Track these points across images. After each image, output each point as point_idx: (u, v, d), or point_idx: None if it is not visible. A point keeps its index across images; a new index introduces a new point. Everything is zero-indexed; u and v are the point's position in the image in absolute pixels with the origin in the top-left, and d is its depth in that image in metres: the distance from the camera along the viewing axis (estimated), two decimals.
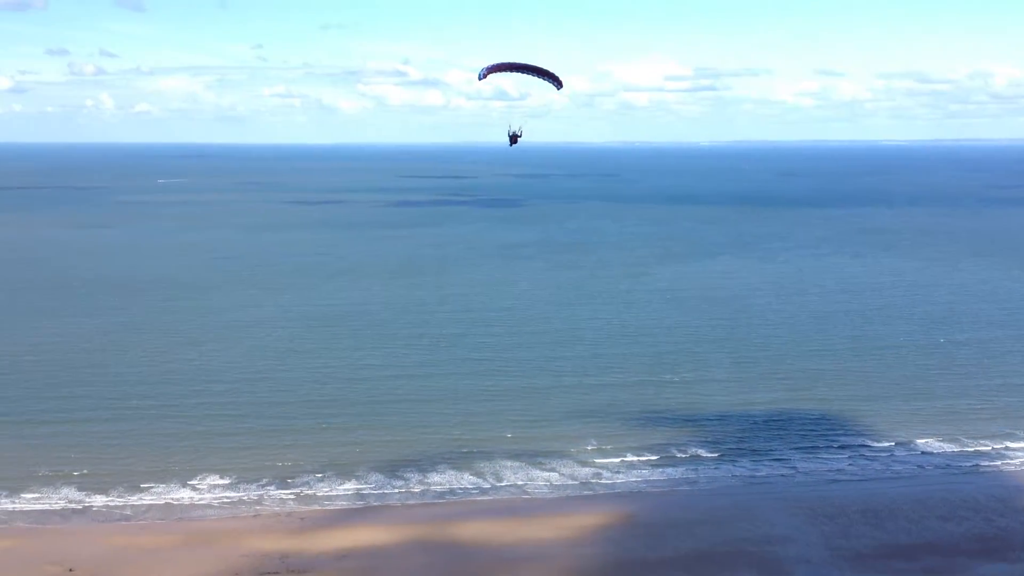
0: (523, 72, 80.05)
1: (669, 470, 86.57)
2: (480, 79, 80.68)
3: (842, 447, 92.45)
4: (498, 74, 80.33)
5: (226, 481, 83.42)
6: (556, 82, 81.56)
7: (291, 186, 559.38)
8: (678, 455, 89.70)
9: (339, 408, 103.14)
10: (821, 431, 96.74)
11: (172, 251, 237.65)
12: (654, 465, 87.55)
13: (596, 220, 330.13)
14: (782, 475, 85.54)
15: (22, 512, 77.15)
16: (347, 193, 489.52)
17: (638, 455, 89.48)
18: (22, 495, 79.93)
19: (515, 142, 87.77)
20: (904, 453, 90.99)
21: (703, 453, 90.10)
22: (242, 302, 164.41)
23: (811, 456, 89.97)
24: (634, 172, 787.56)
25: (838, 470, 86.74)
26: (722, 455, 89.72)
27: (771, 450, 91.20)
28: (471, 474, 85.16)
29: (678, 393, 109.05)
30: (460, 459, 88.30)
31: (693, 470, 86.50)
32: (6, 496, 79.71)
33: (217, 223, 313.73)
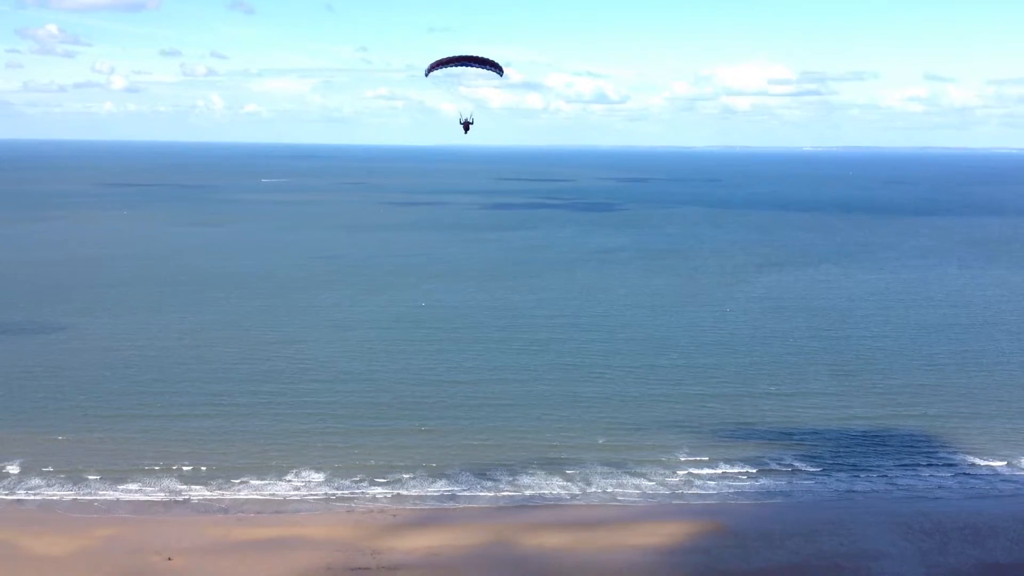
0: (466, 64, 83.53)
1: (762, 481, 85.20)
2: (426, 75, 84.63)
3: (943, 464, 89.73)
4: (444, 68, 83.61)
5: (321, 477, 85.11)
6: (498, 70, 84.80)
7: (391, 187, 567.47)
8: (772, 467, 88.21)
9: (432, 410, 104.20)
10: (922, 447, 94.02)
11: (273, 249, 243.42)
12: (747, 476, 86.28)
13: (695, 226, 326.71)
14: (880, 490, 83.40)
15: (125, 502, 79.94)
16: (446, 194, 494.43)
17: (731, 466, 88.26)
18: (125, 485, 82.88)
19: (468, 130, 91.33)
20: (1009, 472, 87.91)
21: (798, 465, 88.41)
22: (340, 301, 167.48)
23: (911, 472, 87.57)
24: (735, 177, 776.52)
25: (938, 487, 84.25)
26: (818, 468, 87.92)
27: (869, 465, 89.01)
28: (561, 479, 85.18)
29: (774, 405, 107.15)
30: (550, 464, 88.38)
31: (787, 482, 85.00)
32: (110, 486, 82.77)
33: (318, 223, 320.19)
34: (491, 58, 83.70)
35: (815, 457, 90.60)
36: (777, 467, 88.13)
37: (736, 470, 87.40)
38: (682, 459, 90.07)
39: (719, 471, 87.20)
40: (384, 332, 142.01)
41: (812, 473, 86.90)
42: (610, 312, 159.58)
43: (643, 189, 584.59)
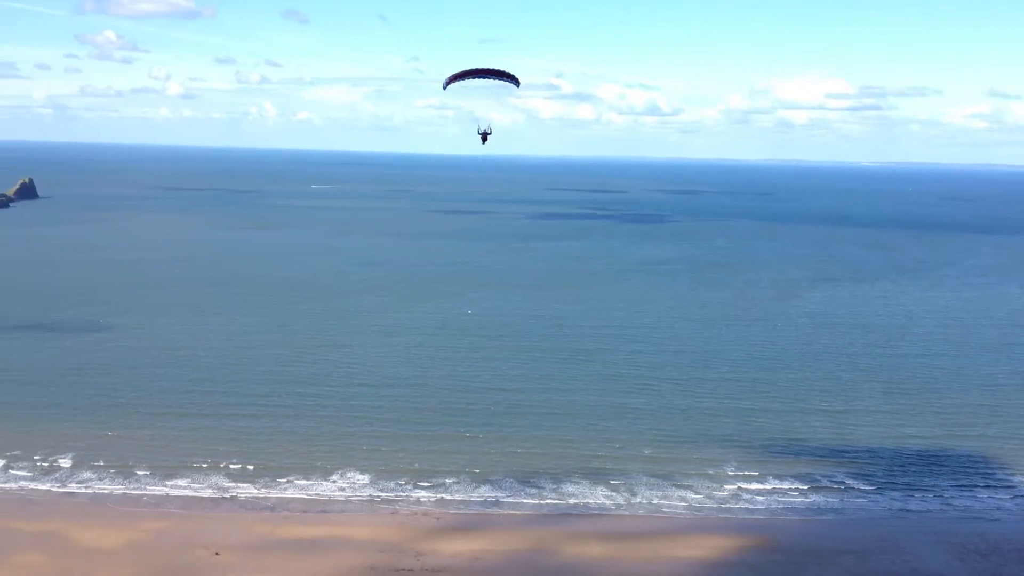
0: (483, 76, 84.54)
1: (813, 498, 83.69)
2: (444, 88, 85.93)
3: (1002, 485, 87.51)
4: (461, 80, 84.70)
5: (365, 479, 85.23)
6: (514, 81, 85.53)
7: (440, 195, 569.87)
8: (823, 483, 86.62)
9: (477, 416, 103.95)
10: (979, 468, 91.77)
11: (321, 254, 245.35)
12: (797, 492, 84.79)
13: (747, 239, 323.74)
14: (934, 510, 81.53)
15: (174, 497, 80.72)
16: (494, 203, 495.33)
17: (780, 481, 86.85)
18: (174, 481, 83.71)
19: (485, 140, 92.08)
20: None
21: (850, 483, 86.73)
22: (387, 307, 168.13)
23: (967, 492, 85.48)
24: (790, 191, 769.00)
25: (996, 508, 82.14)
26: (871, 486, 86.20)
27: (924, 484, 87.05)
28: (605, 489, 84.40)
29: (826, 421, 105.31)
30: (595, 474, 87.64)
31: (839, 499, 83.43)
32: (159, 481, 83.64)
33: (366, 229, 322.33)
34: (507, 70, 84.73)
35: (868, 475, 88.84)
36: (828, 484, 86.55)
37: (786, 486, 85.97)
38: (730, 473, 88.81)
39: (768, 486, 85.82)
40: (430, 338, 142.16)
41: (864, 491, 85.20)
42: (658, 324, 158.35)
43: (694, 201, 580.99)
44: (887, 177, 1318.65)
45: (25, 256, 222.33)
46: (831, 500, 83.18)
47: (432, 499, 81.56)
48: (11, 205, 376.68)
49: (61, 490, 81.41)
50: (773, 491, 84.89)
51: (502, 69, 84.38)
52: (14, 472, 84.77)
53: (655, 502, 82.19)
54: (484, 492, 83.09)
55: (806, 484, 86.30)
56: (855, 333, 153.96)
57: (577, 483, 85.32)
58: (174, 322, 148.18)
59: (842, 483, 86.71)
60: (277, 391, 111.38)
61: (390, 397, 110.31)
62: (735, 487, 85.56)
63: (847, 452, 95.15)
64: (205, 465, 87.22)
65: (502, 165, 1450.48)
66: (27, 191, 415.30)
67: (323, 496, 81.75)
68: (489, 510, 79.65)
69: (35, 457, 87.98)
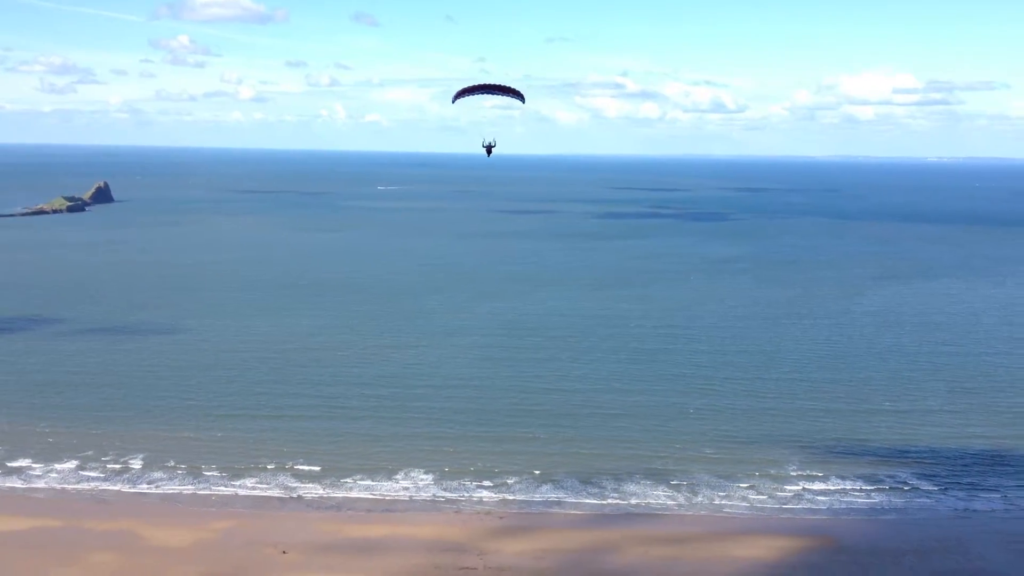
0: (490, 92, 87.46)
1: (875, 498, 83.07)
2: (452, 102, 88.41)
3: None
4: (470, 96, 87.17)
5: (429, 479, 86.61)
6: (519, 97, 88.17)
7: (505, 195, 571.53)
8: (886, 483, 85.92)
9: (539, 417, 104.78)
10: None
11: (387, 255, 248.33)
12: (860, 492, 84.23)
13: (813, 237, 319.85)
14: (998, 510, 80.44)
15: (242, 497, 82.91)
16: (559, 203, 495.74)
17: (843, 481, 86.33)
18: (242, 481, 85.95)
19: (490, 153, 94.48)
20: None
21: (913, 483, 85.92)
22: (451, 308, 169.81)
23: None
24: (857, 188, 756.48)
25: None
26: (934, 486, 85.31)
27: (988, 484, 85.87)
28: (667, 489, 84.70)
29: (889, 421, 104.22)
30: (656, 474, 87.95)
31: (902, 499, 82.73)
32: (228, 481, 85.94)
33: (431, 230, 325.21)
34: (513, 87, 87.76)
35: (931, 475, 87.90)
36: (891, 484, 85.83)
37: (848, 486, 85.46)
38: (792, 473, 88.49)
39: (830, 486, 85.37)
40: (493, 339, 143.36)
41: (928, 491, 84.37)
42: (721, 323, 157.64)
43: (759, 199, 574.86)
44: (955, 173, 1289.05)
45: (99, 259, 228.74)
46: (894, 500, 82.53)
47: (495, 499, 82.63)
48: (87, 209, 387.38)
49: (132, 490, 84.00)
50: (835, 491, 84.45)
51: (508, 86, 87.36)
52: (87, 473, 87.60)
53: (716, 502, 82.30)
54: (546, 492, 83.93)
55: (869, 484, 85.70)
56: (920, 331, 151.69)
57: (639, 483, 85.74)
58: (244, 324, 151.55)
59: (905, 483, 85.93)
60: (343, 392, 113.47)
61: (453, 398, 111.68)
62: (797, 487, 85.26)
63: (911, 452, 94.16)
64: (272, 466, 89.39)
65: (567, 165, 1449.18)
66: (103, 195, 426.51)
67: (387, 496, 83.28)
68: (551, 510, 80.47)
69: (107, 458, 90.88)
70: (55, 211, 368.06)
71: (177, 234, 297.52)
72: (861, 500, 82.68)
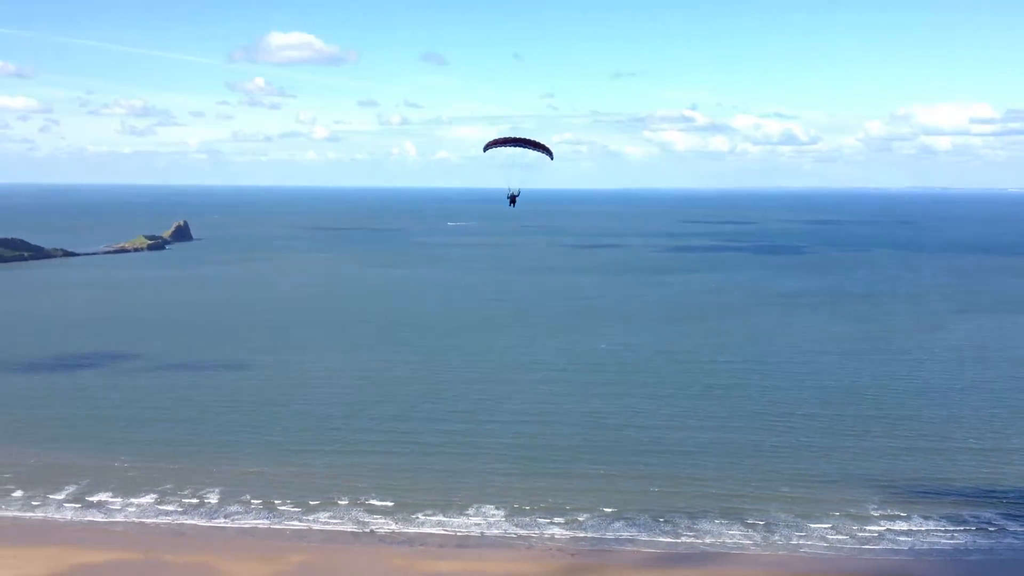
0: (520, 146, 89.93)
1: (959, 538, 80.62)
2: (484, 151, 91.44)
3: None
4: (500, 147, 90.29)
5: (501, 514, 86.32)
6: (548, 153, 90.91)
7: (573, 230, 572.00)
8: (970, 523, 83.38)
9: (610, 453, 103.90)
10: None
11: (455, 291, 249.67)
12: (943, 532, 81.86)
13: (889, 269, 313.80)
14: None
15: (316, 531, 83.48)
16: (627, 237, 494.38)
17: (925, 521, 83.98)
18: (316, 515, 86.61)
19: (514, 203, 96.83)
20: None
21: (999, 523, 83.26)
22: (518, 343, 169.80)
23: None
24: (933, 220, 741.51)
25: None
26: (1021, 526, 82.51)
27: None
28: (742, 527, 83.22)
29: (973, 460, 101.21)
30: (731, 512, 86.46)
31: (987, 539, 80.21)
32: (302, 515, 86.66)
33: (499, 265, 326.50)
34: (543, 143, 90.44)
35: (1018, 516, 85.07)
36: (976, 524, 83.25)
37: (931, 526, 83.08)
38: (873, 513, 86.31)
39: (913, 526, 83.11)
40: (563, 374, 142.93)
41: (1015, 531, 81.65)
42: (794, 358, 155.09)
43: (833, 232, 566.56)
44: None
45: (178, 297, 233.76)
46: (979, 541, 79.99)
47: (566, 535, 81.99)
48: (167, 247, 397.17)
49: (209, 524, 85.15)
50: (918, 531, 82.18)
51: (539, 141, 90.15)
52: (165, 507, 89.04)
53: (794, 541, 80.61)
54: (618, 529, 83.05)
55: (953, 524, 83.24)
56: (1003, 367, 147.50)
57: (713, 522, 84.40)
58: (317, 360, 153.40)
59: (991, 523, 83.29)
60: (414, 427, 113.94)
61: (523, 434, 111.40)
62: (879, 527, 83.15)
63: (996, 491, 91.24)
64: (345, 500, 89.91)
65: (636, 199, 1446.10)
66: (182, 233, 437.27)
67: (459, 531, 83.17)
68: (624, 547, 79.55)
69: (184, 492, 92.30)
70: (136, 249, 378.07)
71: (253, 271, 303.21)
72: (945, 540, 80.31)
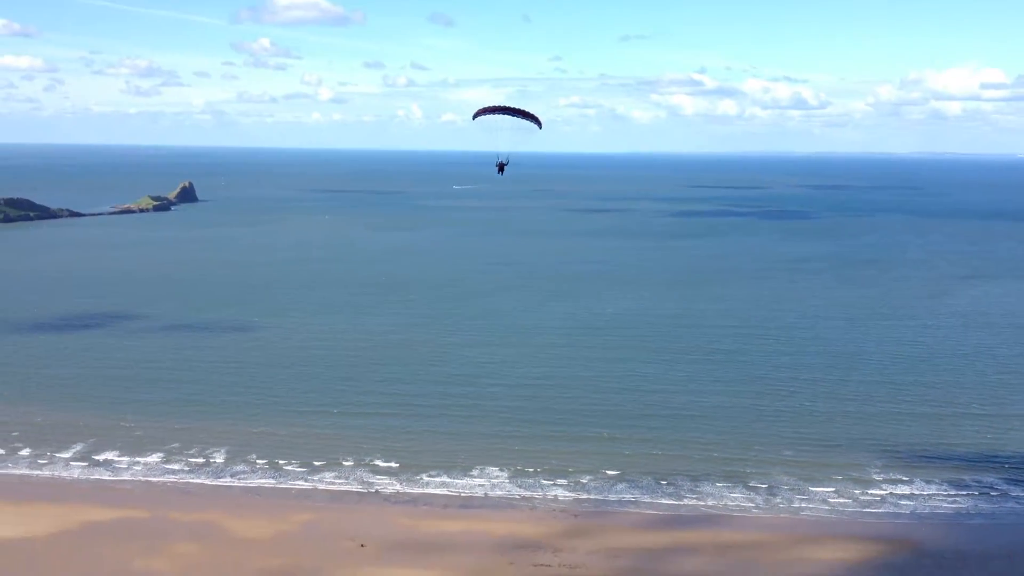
0: (509, 114, 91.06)
1: (961, 502, 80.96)
2: (472, 119, 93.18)
3: None
4: (488, 115, 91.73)
5: (504, 475, 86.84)
6: (536, 122, 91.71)
7: (579, 194, 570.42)
8: (973, 488, 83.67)
9: (614, 417, 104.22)
10: None
11: (460, 254, 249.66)
12: (945, 496, 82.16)
13: (896, 235, 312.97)
14: None
15: (321, 491, 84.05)
16: (633, 201, 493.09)
17: (927, 484, 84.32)
18: (321, 475, 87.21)
19: (502, 171, 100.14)
20: None
21: (1001, 487, 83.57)
22: (523, 307, 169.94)
23: None
24: (943, 185, 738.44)
25: None
26: (1023, 491, 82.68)
27: None
28: (744, 490, 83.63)
29: (977, 425, 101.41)
30: (734, 476, 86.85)
31: (989, 503, 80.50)
32: (308, 475, 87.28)
33: (504, 229, 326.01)
34: (531, 112, 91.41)
35: (1021, 480, 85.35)
36: (978, 489, 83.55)
37: (933, 490, 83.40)
38: (875, 477, 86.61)
39: (915, 490, 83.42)
40: (567, 338, 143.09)
41: (1017, 496, 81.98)
42: (799, 324, 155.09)
43: (841, 197, 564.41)
44: None
45: (183, 257, 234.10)
46: (981, 505, 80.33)
47: (569, 497, 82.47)
48: (172, 208, 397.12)
49: (215, 483, 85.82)
50: (920, 495, 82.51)
51: (527, 110, 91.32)
52: (171, 465, 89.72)
53: (795, 504, 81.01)
54: (621, 491, 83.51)
55: (955, 488, 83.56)
56: (1008, 333, 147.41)
57: (715, 485, 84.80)
58: (322, 321, 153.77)
59: (993, 487, 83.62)
60: (419, 390, 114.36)
61: (527, 396, 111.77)
62: (881, 491, 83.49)
63: (999, 456, 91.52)
64: (350, 461, 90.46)
65: (643, 163, 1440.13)
66: (187, 194, 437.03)
67: (463, 492, 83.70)
68: (626, 509, 79.99)
69: (190, 451, 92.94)
70: (142, 210, 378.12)
71: (258, 232, 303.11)
72: (947, 504, 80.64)
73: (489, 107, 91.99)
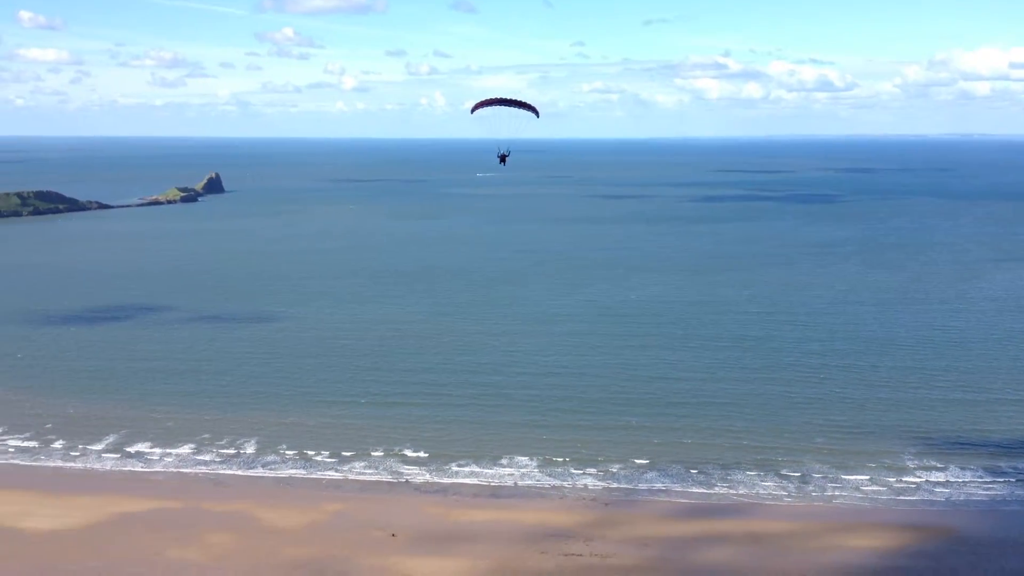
0: (507, 105, 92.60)
1: (997, 489, 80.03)
2: (471, 112, 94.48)
3: None
4: (488, 107, 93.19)
5: (534, 464, 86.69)
6: (534, 111, 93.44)
7: (603, 180, 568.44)
8: (1008, 474, 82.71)
9: (642, 406, 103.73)
10: None
11: (484, 242, 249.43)
12: (980, 483, 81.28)
13: (925, 218, 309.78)
14: None
15: (351, 481, 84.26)
16: (658, 187, 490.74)
17: (962, 471, 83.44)
18: (352, 465, 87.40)
19: (504, 161, 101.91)
20: None
21: None
22: (547, 294, 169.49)
23: None
24: (972, 167, 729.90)
25: None
26: None
27: None
28: (776, 478, 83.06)
29: (1012, 411, 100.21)
30: (765, 464, 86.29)
31: None
32: (338, 465, 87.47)
33: (528, 215, 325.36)
34: (528, 102, 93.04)
35: None
36: (1015, 475, 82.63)
37: (968, 477, 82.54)
38: (909, 464, 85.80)
39: (950, 477, 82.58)
40: (593, 325, 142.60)
41: None
42: (829, 309, 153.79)
43: (868, 180, 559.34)
44: None
45: (211, 248, 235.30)
46: (1018, 491, 79.41)
47: (599, 486, 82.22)
48: (199, 199, 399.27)
49: (247, 473, 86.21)
50: (955, 482, 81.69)
51: (525, 101, 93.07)
52: (203, 456, 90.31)
53: (828, 492, 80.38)
54: (651, 480, 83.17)
55: (990, 476, 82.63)
56: None
57: (746, 473, 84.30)
58: (348, 311, 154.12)
59: None
60: (446, 379, 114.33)
61: (555, 385, 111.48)
62: (915, 478, 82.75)
63: None
64: (380, 451, 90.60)
65: (667, 148, 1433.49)
66: (214, 185, 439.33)
67: (492, 481, 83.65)
68: (657, 498, 79.66)
69: (222, 442, 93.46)
70: (169, 201, 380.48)
71: (283, 223, 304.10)
72: (982, 492, 79.76)
73: (486, 100, 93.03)
